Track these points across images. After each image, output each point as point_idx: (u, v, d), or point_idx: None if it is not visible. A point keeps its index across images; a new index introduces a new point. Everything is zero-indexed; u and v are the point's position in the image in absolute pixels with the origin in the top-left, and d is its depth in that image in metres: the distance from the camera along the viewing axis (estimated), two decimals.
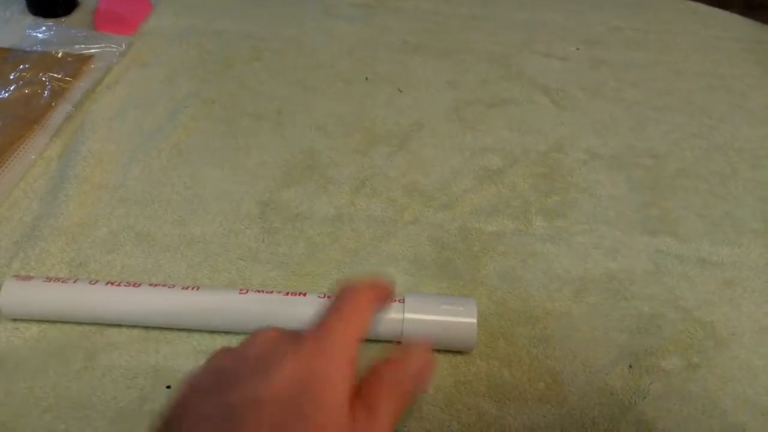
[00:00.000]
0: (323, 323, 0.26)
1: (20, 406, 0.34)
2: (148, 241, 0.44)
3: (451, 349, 0.37)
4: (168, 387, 0.36)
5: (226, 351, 0.26)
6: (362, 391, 0.25)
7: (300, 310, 0.36)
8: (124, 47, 0.62)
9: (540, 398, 0.36)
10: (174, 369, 0.36)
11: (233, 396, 0.23)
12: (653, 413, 0.35)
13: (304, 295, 0.37)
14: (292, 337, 0.25)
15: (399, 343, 0.37)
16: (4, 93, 0.55)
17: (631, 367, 0.37)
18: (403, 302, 0.36)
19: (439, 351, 0.37)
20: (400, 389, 0.26)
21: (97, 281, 0.38)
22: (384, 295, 0.29)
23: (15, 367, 0.36)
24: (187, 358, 0.37)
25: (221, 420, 0.23)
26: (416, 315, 0.35)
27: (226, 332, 0.38)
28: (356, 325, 0.27)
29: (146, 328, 0.38)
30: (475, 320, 0.35)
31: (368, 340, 0.37)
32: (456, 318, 0.35)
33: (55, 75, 0.58)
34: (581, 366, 0.37)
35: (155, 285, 0.38)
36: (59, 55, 0.61)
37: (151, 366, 0.37)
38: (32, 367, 0.36)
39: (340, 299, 0.27)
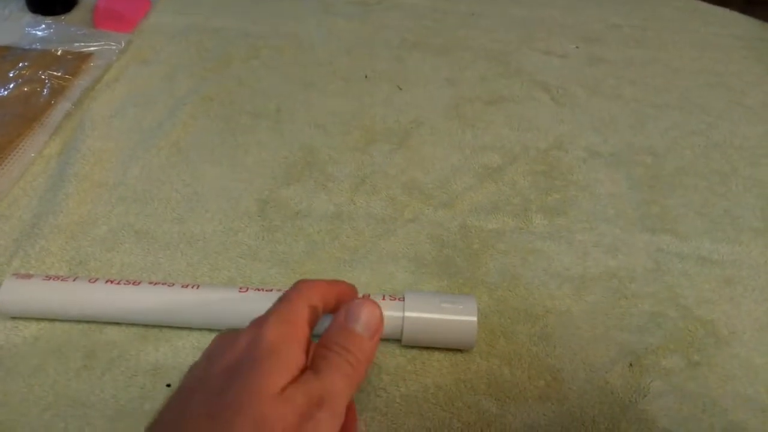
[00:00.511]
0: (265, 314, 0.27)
1: (20, 405, 0.34)
2: (147, 239, 0.44)
3: (452, 348, 0.37)
4: (168, 385, 0.36)
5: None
6: (314, 356, 0.27)
7: None
8: (123, 45, 0.62)
9: (540, 396, 0.36)
10: (174, 367, 0.36)
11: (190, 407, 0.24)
12: (653, 412, 0.35)
13: None
14: (236, 332, 0.27)
15: (399, 341, 0.37)
16: (4, 91, 0.55)
17: (631, 365, 0.37)
18: (403, 300, 0.36)
19: (439, 349, 0.37)
20: (347, 345, 0.27)
21: (96, 279, 0.38)
22: (339, 292, 0.31)
23: (14, 365, 0.36)
24: (186, 356, 0.37)
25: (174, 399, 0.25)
26: (416, 313, 0.35)
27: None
28: (310, 294, 0.28)
29: (146, 326, 0.38)
30: (475, 318, 0.35)
31: None
32: (456, 316, 0.35)
33: (55, 73, 0.58)
34: (581, 364, 0.37)
35: (155, 283, 0.38)
36: (58, 53, 0.61)
37: (151, 364, 0.37)
38: (32, 365, 0.36)
39: (288, 290, 0.29)
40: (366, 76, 0.61)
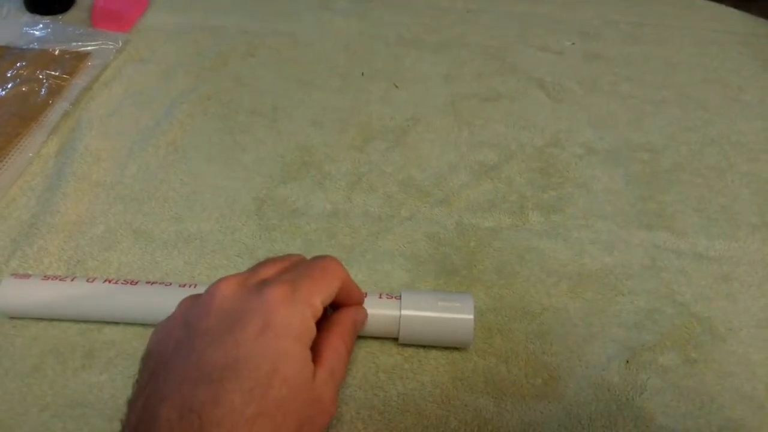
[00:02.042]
0: (292, 278, 0.29)
1: (18, 405, 0.34)
2: (145, 238, 0.44)
3: (449, 346, 0.37)
4: None
5: (194, 300, 0.29)
6: (328, 346, 0.30)
7: None
8: (120, 44, 0.62)
9: (537, 394, 0.36)
10: None
11: (213, 355, 0.25)
12: (650, 409, 0.35)
13: None
14: (257, 290, 0.27)
15: (396, 339, 0.37)
16: (1, 91, 0.55)
17: (628, 362, 0.37)
18: (400, 299, 0.36)
19: (436, 347, 0.38)
20: (353, 340, 0.32)
21: (94, 279, 0.38)
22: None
23: (12, 365, 0.36)
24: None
25: (204, 381, 0.25)
26: (413, 312, 0.35)
27: None
28: (325, 288, 0.30)
29: (144, 325, 0.38)
30: (472, 316, 0.35)
31: (364, 338, 0.37)
32: (453, 314, 0.35)
33: (52, 72, 0.57)
34: (578, 362, 0.37)
35: (152, 282, 0.38)
36: (56, 52, 0.60)
37: None
38: (30, 365, 0.36)
39: (311, 261, 0.31)
40: (363, 74, 0.61)
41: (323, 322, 0.31)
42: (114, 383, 0.36)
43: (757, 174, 0.51)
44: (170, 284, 0.38)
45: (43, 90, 0.55)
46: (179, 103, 0.56)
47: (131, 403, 0.27)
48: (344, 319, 0.33)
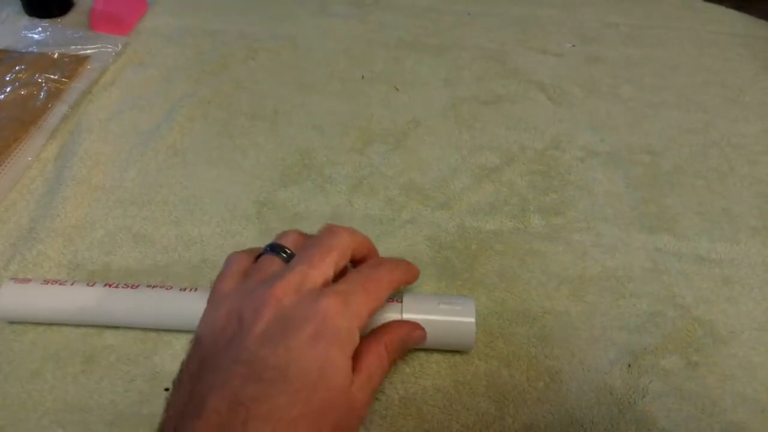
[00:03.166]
0: (347, 290, 0.30)
1: (18, 410, 0.34)
2: (145, 242, 0.44)
3: (451, 349, 0.37)
4: (166, 389, 0.35)
5: (248, 293, 0.30)
6: (371, 353, 0.31)
7: None
8: (119, 47, 0.62)
9: (539, 398, 0.36)
10: (172, 371, 0.36)
11: (266, 356, 0.27)
12: (653, 412, 0.35)
13: None
14: (313, 299, 0.29)
15: None
16: (0, 95, 0.55)
17: (629, 366, 0.37)
18: (401, 302, 0.36)
19: (437, 351, 0.37)
20: (398, 354, 0.33)
21: (94, 283, 0.38)
22: (409, 278, 0.35)
23: (12, 370, 0.36)
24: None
25: (254, 379, 0.26)
26: (415, 315, 0.35)
27: None
28: (375, 295, 0.31)
29: (144, 330, 0.38)
30: (473, 319, 0.35)
31: None
32: (455, 317, 0.35)
33: (51, 76, 0.57)
34: (580, 365, 0.37)
35: (153, 286, 0.38)
36: (55, 56, 0.60)
37: (150, 368, 0.37)
38: (30, 370, 0.36)
39: (368, 268, 0.33)
40: (363, 77, 0.61)
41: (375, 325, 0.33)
42: (114, 388, 0.36)
43: (758, 176, 0.51)
44: (170, 288, 0.38)
45: (42, 94, 0.55)
46: (179, 107, 0.55)
47: (177, 385, 0.29)
48: (396, 331, 0.33)
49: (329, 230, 0.33)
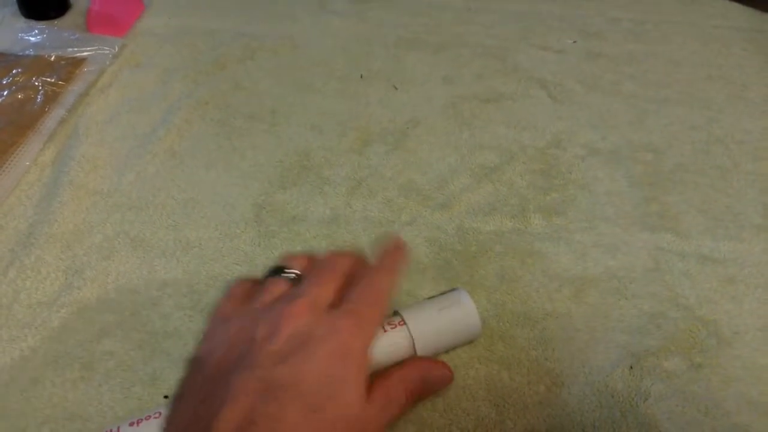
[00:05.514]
0: (357, 310, 0.30)
1: (17, 418, 0.34)
2: (143, 246, 0.44)
3: (463, 345, 0.37)
4: (165, 397, 0.35)
5: (258, 316, 0.30)
6: (388, 383, 0.31)
7: None
8: (116, 49, 0.62)
9: (540, 402, 0.35)
10: (171, 378, 0.36)
11: (280, 373, 0.27)
12: (655, 415, 0.35)
13: None
14: (327, 318, 0.29)
15: None
16: None
17: (632, 368, 0.37)
18: (404, 324, 0.34)
19: (438, 355, 0.37)
20: (416, 390, 0.32)
21: None
22: (398, 270, 0.35)
23: (11, 378, 0.36)
24: (184, 367, 0.37)
25: (268, 396, 0.26)
26: (422, 331, 0.34)
27: None
28: (381, 309, 0.32)
29: (143, 336, 0.38)
30: (476, 312, 0.35)
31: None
32: (459, 316, 0.35)
33: (48, 79, 0.57)
34: (581, 368, 0.37)
35: None
36: (52, 58, 0.60)
37: (149, 375, 0.36)
38: (29, 378, 0.36)
39: (367, 282, 0.32)
40: (362, 76, 0.60)
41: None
42: (113, 395, 0.36)
43: (762, 173, 0.51)
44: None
45: (39, 97, 0.55)
46: (176, 109, 0.55)
47: (178, 403, 0.28)
48: (415, 368, 0.33)
49: (334, 253, 0.34)
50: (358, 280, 0.32)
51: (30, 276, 0.41)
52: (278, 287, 0.32)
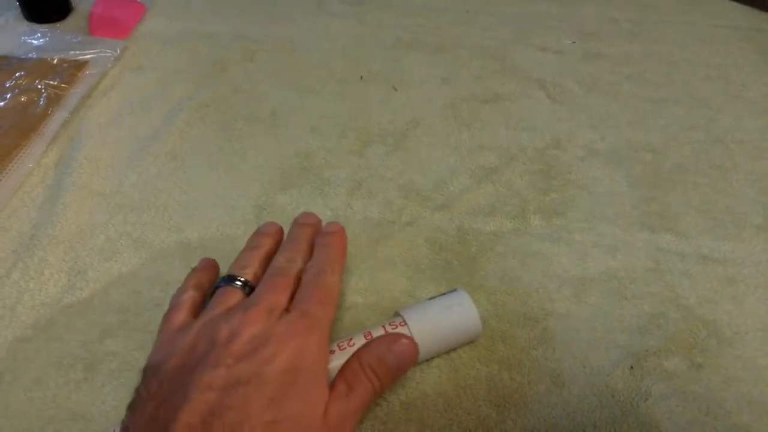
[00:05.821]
0: (309, 310, 0.32)
1: (20, 419, 0.34)
2: (145, 248, 0.44)
3: (463, 345, 0.38)
4: None
5: (215, 323, 0.31)
6: (346, 369, 0.32)
7: None
8: (118, 52, 0.62)
9: (540, 401, 0.36)
10: None
11: (242, 369, 0.28)
12: (656, 415, 0.35)
13: None
14: (280, 321, 0.31)
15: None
16: (1, 102, 0.55)
17: (632, 368, 0.37)
18: (406, 325, 0.35)
19: (439, 356, 0.37)
20: (380, 371, 0.32)
21: None
22: (342, 251, 0.38)
23: (14, 378, 0.36)
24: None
25: (230, 390, 0.27)
26: (423, 332, 0.35)
27: None
28: (331, 306, 0.34)
29: (145, 335, 0.38)
30: (472, 305, 0.36)
31: None
32: (459, 316, 0.36)
33: (51, 82, 0.57)
34: (582, 368, 0.37)
35: None
36: (54, 61, 0.60)
37: None
38: (32, 378, 0.36)
39: (316, 283, 0.34)
40: (361, 78, 0.61)
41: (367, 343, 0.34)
42: (116, 395, 0.36)
43: (762, 173, 0.51)
44: None
45: (42, 100, 0.55)
46: (178, 111, 0.55)
47: (134, 408, 0.29)
48: (374, 347, 0.33)
49: (285, 258, 0.36)
50: (307, 281, 0.34)
51: (33, 277, 0.42)
52: (231, 298, 0.33)
